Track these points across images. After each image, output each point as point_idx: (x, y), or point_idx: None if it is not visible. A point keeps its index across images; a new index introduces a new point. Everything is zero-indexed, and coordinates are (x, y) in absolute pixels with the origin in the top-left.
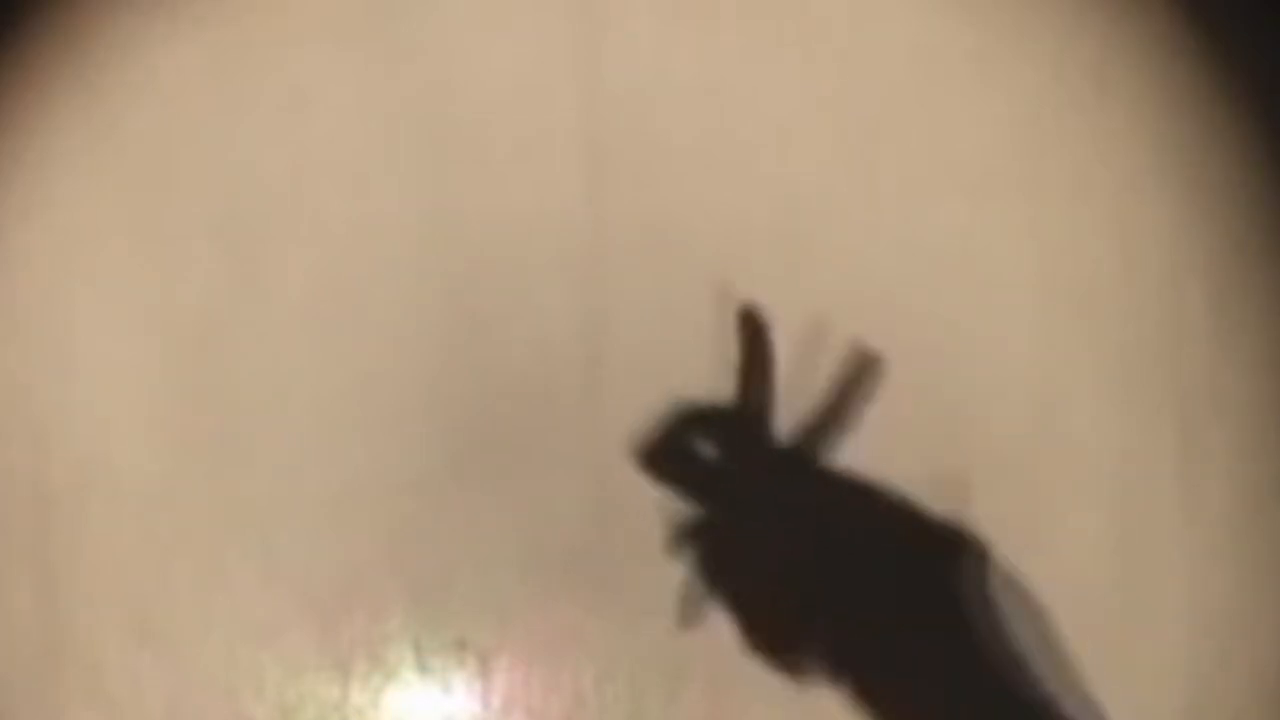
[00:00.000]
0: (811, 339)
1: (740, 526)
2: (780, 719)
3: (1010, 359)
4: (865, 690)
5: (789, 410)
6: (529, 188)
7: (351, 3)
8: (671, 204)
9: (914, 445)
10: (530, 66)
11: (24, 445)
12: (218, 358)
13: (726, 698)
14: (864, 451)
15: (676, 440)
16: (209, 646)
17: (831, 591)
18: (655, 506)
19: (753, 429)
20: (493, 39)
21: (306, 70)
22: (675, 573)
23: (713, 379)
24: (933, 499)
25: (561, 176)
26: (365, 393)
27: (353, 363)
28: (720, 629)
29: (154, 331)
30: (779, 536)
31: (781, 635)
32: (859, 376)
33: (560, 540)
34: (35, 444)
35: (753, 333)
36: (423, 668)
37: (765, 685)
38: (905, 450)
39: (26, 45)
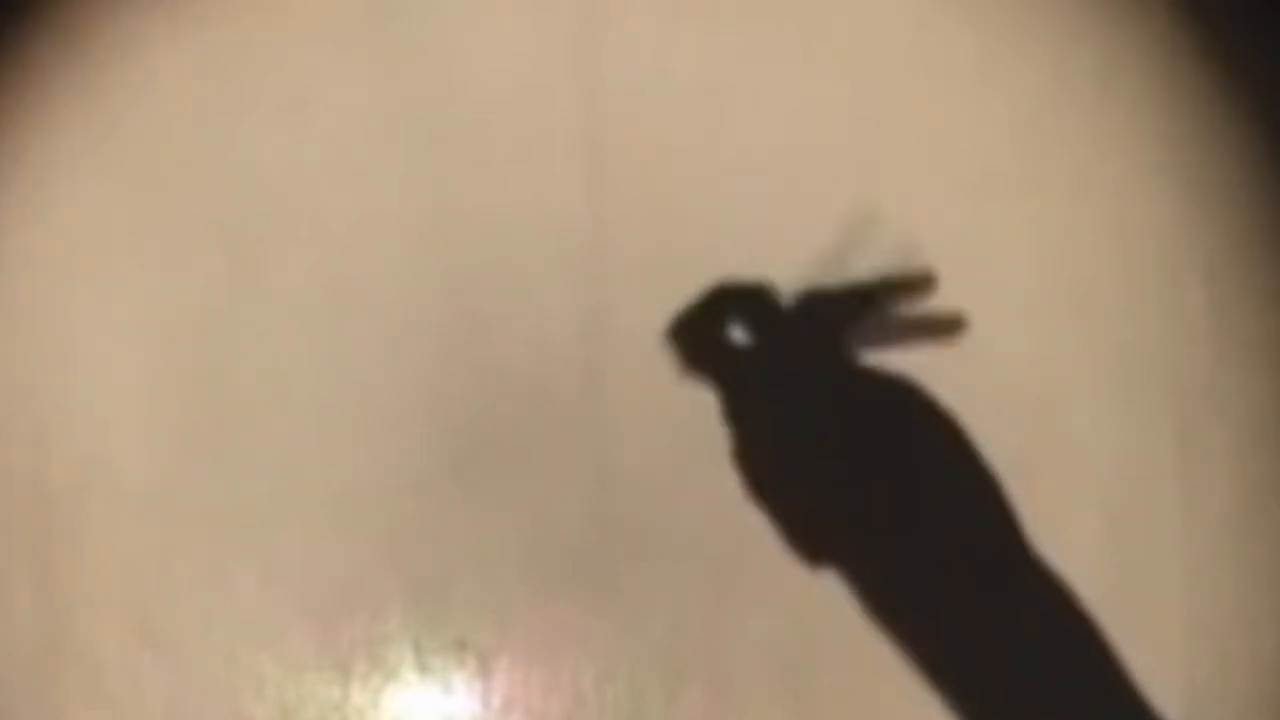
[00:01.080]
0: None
1: (763, 406)
2: (780, 719)
3: (1010, 359)
4: (872, 577)
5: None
6: (529, 188)
7: (351, 3)
8: (671, 204)
9: None
10: (530, 66)
11: (24, 445)
12: (218, 358)
13: (726, 698)
14: None
15: (708, 321)
16: (209, 646)
17: (850, 473)
18: (655, 508)
19: (784, 312)
20: (493, 39)
21: (306, 70)
22: (675, 573)
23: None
24: None
25: (561, 176)
26: (365, 393)
27: (353, 363)
28: (720, 629)
29: (154, 332)
30: (801, 415)
31: (801, 516)
32: (906, 281)
33: (560, 540)
34: (35, 444)
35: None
36: (423, 668)
37: (765, 685)
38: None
39: (26, 45)
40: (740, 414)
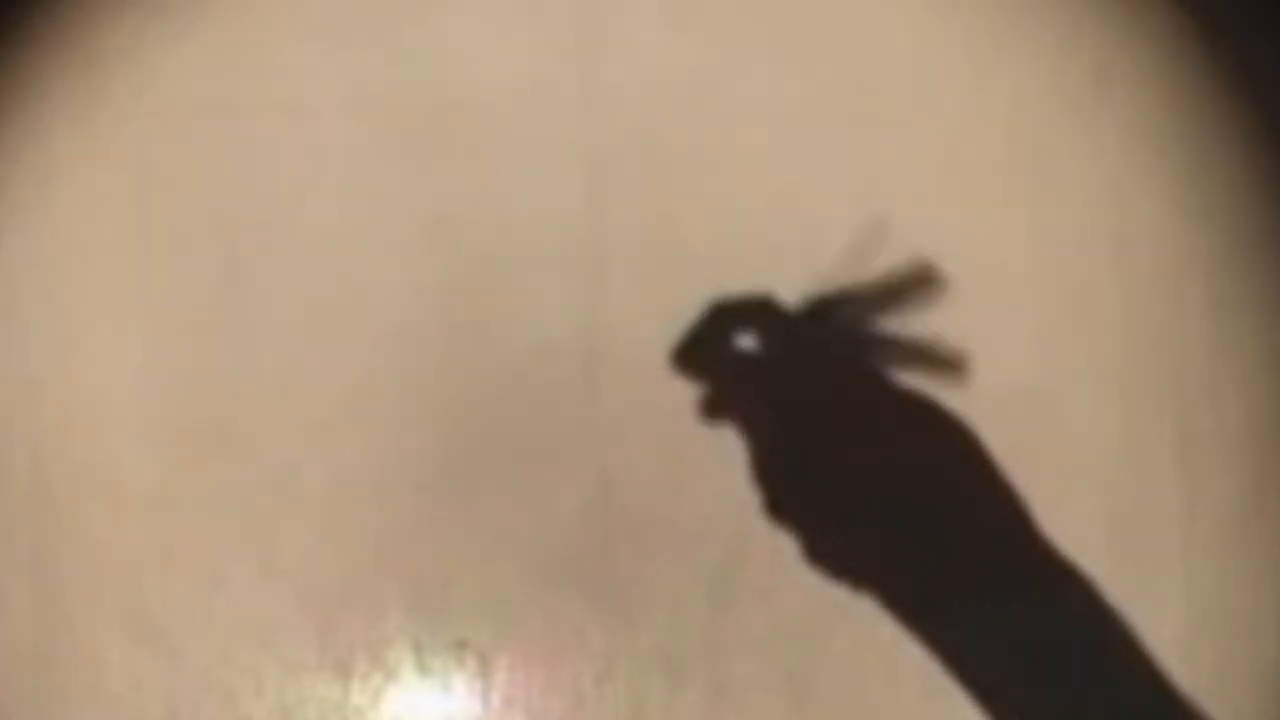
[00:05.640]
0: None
1: (772, 411)
2: (779, 719)
3: (1010, 358)
4: (884, 582)
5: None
6: (529, 189)
7: (351, 3)
8: (671, 204)
9: None
10: (530, 67)
11: (24, 445)
12: (217, 358)
13: (726, 698)
14: None
15: (712, 336)
16: (209, 646)
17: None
18: (656, 508)
19: (788, 321)
20: (493, 39)
21: (306, 70)
22: (675, 573)
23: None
24: None
25: (562, 178)
26: (365, 393)
27: (352, 363)
28: (720, 629)
29: (154, 333)
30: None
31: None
32: (913, 283)
33: (560, 540)
34: (35, 444)
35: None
36: (423, 668)
37: (765, 685)
38: None
39: (26, 45)
40: (758, 429)
